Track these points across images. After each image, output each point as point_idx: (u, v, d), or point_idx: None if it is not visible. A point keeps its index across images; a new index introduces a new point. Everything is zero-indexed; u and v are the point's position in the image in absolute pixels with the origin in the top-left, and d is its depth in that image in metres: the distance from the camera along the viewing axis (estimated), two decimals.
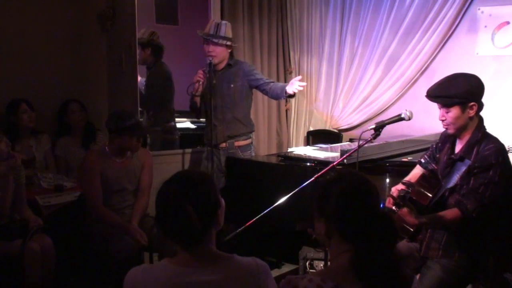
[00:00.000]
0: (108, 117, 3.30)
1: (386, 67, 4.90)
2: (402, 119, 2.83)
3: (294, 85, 3.63)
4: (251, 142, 4.08)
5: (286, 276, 1.52)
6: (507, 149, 2.61)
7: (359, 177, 1.62)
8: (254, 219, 2.80)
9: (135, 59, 4.15)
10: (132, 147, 3.29)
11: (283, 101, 5.11)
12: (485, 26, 4.40)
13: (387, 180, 3.35)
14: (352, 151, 2.99)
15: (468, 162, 2.50)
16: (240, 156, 3.97)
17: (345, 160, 3.13)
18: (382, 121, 2.81)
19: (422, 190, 2.71)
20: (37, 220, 3.09)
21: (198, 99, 3.95)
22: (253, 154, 4.11)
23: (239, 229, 2.79)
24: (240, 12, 4.82)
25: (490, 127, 2.60)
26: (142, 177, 3.39)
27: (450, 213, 2.48)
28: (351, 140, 4.92)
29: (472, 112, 2.49)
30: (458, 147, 2.61)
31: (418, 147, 3.85)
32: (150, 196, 3.38)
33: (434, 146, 2.86)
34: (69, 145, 4.01)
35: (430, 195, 2.66)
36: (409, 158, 3.70)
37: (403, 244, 2.60)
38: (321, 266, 3.51)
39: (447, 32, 4.57)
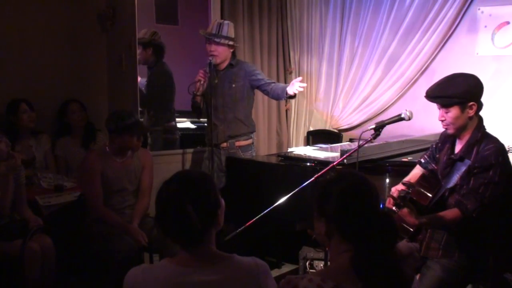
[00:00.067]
0: (108, 117, 3.30)
1: (386, 67, 4.90)
2: (402, 119, 2.83)
3: (294, 86, 3.64)
4: (252, 143, 4.08)
5: (286, 276, 1.52)
6: (507, 149, 2.61)
7: (359, 177, 1.62)
8: (254, 219, 2.81)
9: (135, 59, 4.15)
10: (132, 146, 3.29)
11: (283, 101, 5.11)
12: (485, 26, 4.40)
13: (387, 180, 3.35)
14: (352, 151, 2.99)
15: (468, 162, 2.50)
16: (240, 156, 3.97)
17: (345, 160, 3.13)
18: (382, 121, 2.81)
19: (422, 190, 2.71)
20: (37, 220, 3.09)
21: (199, 99, 3.95)
22: (254, 154, 4.12)
23: (239, 229, 2.79)
24: (240, 12, 4.83)
25: (490, 127, 2.60)
26: (143, 178, 3.39)
27: (450, 213, 2.48)
28: (351, 140, 4.92)
29: (471, 112, 2.49)
30: (458, 147, 2.61)
31: (418, 147, 3.85)
32: (151, 196, 3.38)
33: (434, 146, 2.86)
34: (69, 145, 4.01)
35: (430, 195, 2.67)
36: (409, 158, 3.70)
37: (403, 244, 2.58)
38: (321, 266, 3.51)
39: (447, 32, 4.57)
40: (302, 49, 5.34)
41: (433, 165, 2.82)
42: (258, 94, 4.30)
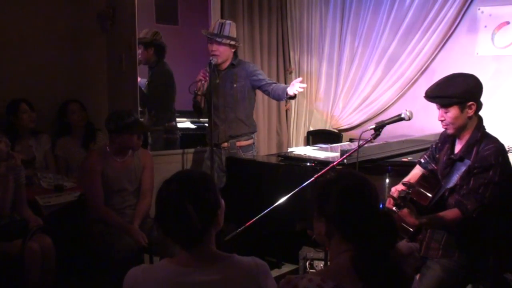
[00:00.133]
0: (107, 117, 3.29)
1: (386, 67, 4.90)
2: (402, 119, 2.83)
3: (294, 87, 3.65)
4: (253, 143, 4.09)
5: (286, 276, 1.52)
6: (507, 149, 2.61)
7: (359, 176, 1.62)
8: (254, 219, 2.80)
9: (135, 59, 4.15)
10: (133, 145, 3.29)
11: (283, 102, 5.12)
12: (485, 26, 4.41)
13: (387, 180, 3.35)
14: (352, 151, 2.99)
15: (468, 162, 2.50)
16: (241, 156, 3.98)
17: (345, 160, 3.13)
18: (382, 121, 2.81)
19: (422, 190, 2.71)
20: (37, 220, 3.09)
21: (200, 98, 3.96)
22: (255, 154, 4.12)
23: (239, 229, 2.79)
24: (240, 12, 4.83)
25: (490, 127, 2.60)
26: (143, 179, 3.39)
27: (450, 213, 2.48)
28: (351, 140, 4.93)
29: (471, 112, 2.49)
30: (457, 147, 2.61)
31: (418, 147, 3.85)
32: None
33: (433, 146, 2.86)
34: (69, 145, 4.01)
35: (430, 195, 2.67)
36: (409, 158, 3.70)
37: (403, 244, 2.58)
38: (321, 266, 3.51)
39: (447, 32, 4.58)
40: (302, 49, 5.34)
41: (433, 165, 2.82)
42: (258, 94, 4.30)
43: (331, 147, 4.22)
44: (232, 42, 3.90)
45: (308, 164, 3.49)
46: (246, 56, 4.84)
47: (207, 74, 3.84)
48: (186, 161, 4.49)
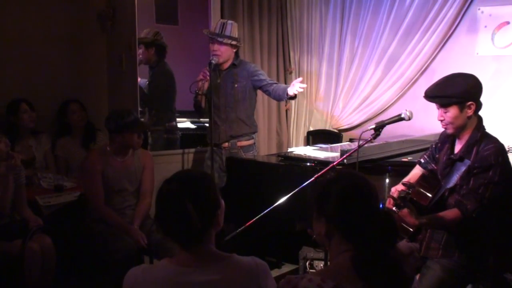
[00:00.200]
0: (107, 117, 3.29)
1: (386, 67, 4.90)
2: (402, 119, 2.83)
3: (295, 87, 3.65)
4: (254, 143, 4.09)
5: (286, 276, 1.52)
6: (507, 149, 2.61)
7: (358, 176, 1.63)
8: (254, 219, 2.81)
9: (135, 59, 4.15)
10: (133, 144, 3.29)
11: (283, 101, 5.12)
12: (485, 26, 4.41)
13: (387, 180, 3.35)
14: (352, 151, 2.99)
15: (467, 162, 2.50)
16: (242, 156, 3.97)
17: (345, 160, 3.13)
18: (382, 121, 2.81)
19: (422, 190, 2.71)
20: (37, 220, 3.09)
21: (200, 98, 3.96)
22: (256, 154, 4.12)
23: (239, 229, 2.79)
24: (240, 12, 4.83)
25: (490, 127, 2.60)
26: (144, 180, 3.39)
27: (450, 213, 2.48)
28: (351, 140, 4.93)
29: (470, 112, 2.49)
30: (457, 147, 2.61)
31: (418, 147, 3.85)
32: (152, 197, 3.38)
33: (433, 146, 2.86)
34: (69, 145, 4.01)
35: (430, 196, 2.67)
36: (409, 158, 3.70)
37: (403, 244, 2.59)
38: (321, 266, 3.51)
39: (447, 32, 4.58)
40: (302, 49, 5.34)
41: (433, 165, 2.82)
42: (258, 94, 4.31)
43: (331, 147, 4.22)
44: (234, 42, 3.91)
45: (308, 164, 3.49)
46: (246, 56, 4.84)
47: (208, 74, 3.84)
48: (186, 161, 4.49)
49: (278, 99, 3.99)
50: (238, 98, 3.96)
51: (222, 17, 4.68)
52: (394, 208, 2.45)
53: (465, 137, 2.55)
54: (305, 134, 5.43)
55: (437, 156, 2.79)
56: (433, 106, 2.61)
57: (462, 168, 2.53)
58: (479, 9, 4.44)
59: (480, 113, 2.58)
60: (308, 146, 4.77)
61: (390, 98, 4.95)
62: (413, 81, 4.84)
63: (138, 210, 3.33)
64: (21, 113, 3.69)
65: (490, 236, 2.58)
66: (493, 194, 2.43)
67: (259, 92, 4.14)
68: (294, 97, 3.78)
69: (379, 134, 2.82)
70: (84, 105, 4.06)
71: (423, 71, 4.78)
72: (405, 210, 2.44)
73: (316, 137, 5.30)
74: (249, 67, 4.01)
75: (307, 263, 3.63)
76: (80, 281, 3.42)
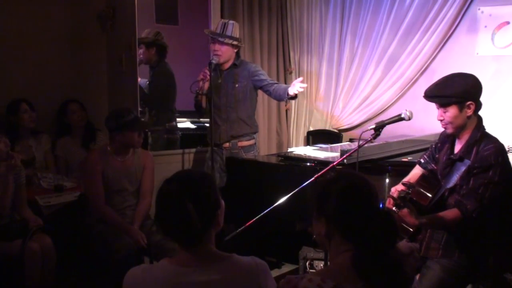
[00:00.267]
0: (107, 116, 3.30)
1: (386, 67, 4.90)
2: (402, 119, 2.83)
3: (295, 87, 3.65)
4: (255, 143, 4.09)
5: (286, 276, 1.52)
6: (507, 149, 2.61)
7: (358, 176, 1.63)
8: (254, 219, 2.80)
9: (135, 59, 4.15)
10: (133, 143, 3.29)
11: (283, 101, 5.12)
12: (485, 26, 4.41)
13: (387, 180, 3.35)
14: (352, 151, 2.99)
15: (467, 162, 2.50)
16: (243, 156, 3.97)
17: (345, 160, 3.13)
18: (382, 121, 2.81)
19: (422, 190, 2.71)
20: (37, 220, 3.09)
21: (201, 98, 3.96)
22: (257, 155, 4.12)
23: (239, 229, 2.79)
24: (240, 12, 4.83)
25: (490, 127, 2.60)
26: (144, 180, 3.39)
27: (450, 213, 2.48)
28: (351, 140, 4.93)
29: (469, 112, 2.49)
30: (457, 147, 2.61)
31: (418, 147, 3.85)
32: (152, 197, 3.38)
33: (433, 146, 2.86)
34: (69, 145, 4.01)
35: (430, 196, 2.67)
36: (409, 158, 3.70)
37: (403, 244, 2.59)
38: (321, 266, 3.51)
39: (447, 32, 4.58)
40: (302, 49, 5.34)
41: (433, 165, 2.82)
42: (258, 94, 4.31)
43: (331, 147, 4.22)
44: (235, 42, 3.91)
45: (308, 164, 3.49)
46: (246, 56, 4.84)
47: (208, 74, 3.84)
48: (186, 161, 4.49)
49: (279, 99, 3.99)
50: (239, 98, 3.96)
51: (222, 17, 4.68)
52: (394, 208, 2.45)
53: (465, 137, 2.55)
54: (305, 134, 5.43)
55: (437, 156, 2.79)
56: (433, 106, 2.61)
57: (462, 168, 2.53)
58: (479, 9, 4.44)
59: (480, 113, 2.58)
60: (308, 146, 4.77)
61: (390, 98, 4.95)
62: (413, 81, 4.84)
63: (138, 210, 3.33)
64: (21, 113, 3.69)
65: (490, 236, 2.57)
66: (493, 194, 2.43)
67: (259, 92, 4.14)
68: (294, 97, 3.78)
69: (379, 134, 2.82)
70: (84, 105, 4.06)
71: (423, 71, 4.78)
72: (405, 210, 2.44)
73: (316, 137, 5.30)
74: (250, 67, 4.01)
75: (307, 263, 3.63)
76: (80, 281, 3.42)
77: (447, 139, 2.71)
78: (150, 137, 4.63)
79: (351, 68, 5.13)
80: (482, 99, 2.55)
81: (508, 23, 4.30)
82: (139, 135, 3.29)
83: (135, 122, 3.24)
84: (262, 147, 5.05)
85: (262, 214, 2.80)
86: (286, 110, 5.40)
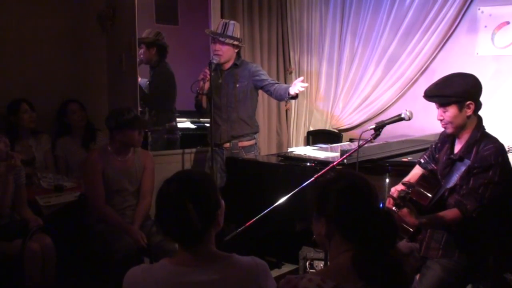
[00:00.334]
0: (107, 116, 3.30)
1: (386, 67, 4.90)
2: (402, 119, 2.83)
3: (296, 86, 3.65)
4: (255, 143, 4.09)
5: (286, 276, 1.52)
6: (507, 149, 2.61)
7: (357, 176, 1.63)
8: (254, 219, 2.80)
9: (135, 59, 4.15)
10: (134, 142, 3.29)
11: (283, 101, 5.12)
12: (485, 26, 4.41)
13: (387, 180, 3.35)
14: (352, 151, 2.99)
15: (467, 162, 2.50)
16: (243, 156, 3.97)
17: (345, 160, 3.13)
18: (382, 121, 2.81)
19: (422, 190, 2.71)
20: (37, 220, 3.09)
21: (201, 97, 3.96)
22: (257, 155, 4.11)
23: (239, 229, 2.79)
24: (240, 12, 4.83)
25: (490, 127, 2.61)
26: (144, 180, 3.39)
27: (450, 213, 2.48)
28: (351, 140, 4.93)
29: (469, 111, 2.49)
30: (457, 147, 2.61)
31: (418, 147, 3.85)
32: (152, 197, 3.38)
33: (433, 146, 2.86)
34: (69, 145, 4.01)
35: (430, 195, 2.67)
36: (409, 158, 3.70)
37: (403, 244, 2.60)
38: (321, 266, 3.51)
39: (447, 32, 4.58)
40: (302, 49, 5.34)
41: (433, 165, 2.82)
42: (258, 94, 4.31)
43: (331, 147, 4.22)
44: (236, 42, 3.91)
45: (308, 164, 3.49)
46: (246, 56, 4.84)
47: (207, 73, 3.84)
48: (186, 161, 4.49)
49: (280, 99, 3.99)
50: (239, 98, 3.96)
51: (222, 17, 4.68)
52: (394, 208, 2.45)
53: (465, 137, 2.55)
54: (305, 134, 5.43)
55: (437, 156, 2.79)
56: (433, 106, 2.61)
57: (462, 168, 2.53)
58: (479, 9, 4.44)
59: (480, 113, 2.58)
60: (308, 146, 4.77)
61: (390, 98, 4.95)
62: (413, 81, 4.85)
63: (138, 210, 3.33)
64: (21, 113, 3.69)
65: (490, 236, 2.58)
66: (493, 194, 2.43)
67: (259, 92, 4.14)
68: (295, 96, 3.78)
69: (379, 134, 2.82)
70: (84, 105, 4.06)
71: (423, 71, 4.78)
72: (405, 210, 2.44)
73: (316, 137, 5.30)
74: (250, 67, 4.01)
75: (307, 263, 3.63)
76: (80, 281, 3.42)
77: (447, 139, 2.71)
78: (150, 137, 4.63)
79: (351, 68, 5.13)
80: (482, 99, 2.55)
81: (508, 23, 4.30)
82: (139, 133, 3.29)
83: (135, 120, 3.24)
84: (262, 147, 5.05)
85: (262, 214, 2.80)
86: (286, 110, 5.40)
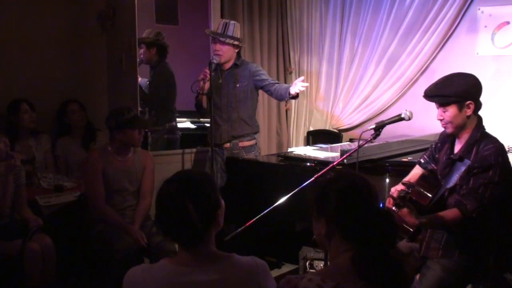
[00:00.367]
0: (107, 116, 3.30)
1: (386, 67, 4.90)
2: (402, 119, 2.83)
3: (297, 86, 3.65)
4: (256, 143, 4.09)
5: (286, 276, 1.52)
6: (507, 149, 2.61)
7: (357, 176, 1.63)
8: (254, 219, 2.80)
9: (135, 59, 4.15)
10: (134, 141, 3.29)
11: (283, 101, 5.12)
12: (485, 26, 4.41)
13: (387, 180, 3.35)
14: (352, 151, 2.99)
15: (467, 162, 2.50)
16: (244, 156, 3.97)
17: (345, 160, 3.13)
18: (382, 121, 2.81)
19: (422, 190, 2.70)
20: (37, 220, 3.09)
21: (201, 97, 3.96)
22: (258, 155, 4.11)
23: (239, 229, 2.79)
24: (240, 12, 4.83)
25: (490, 127, 2.61)
26: (144, 180, 3.39)
27: (450, 213, 2.48)
28: (351, 140, 4.93)
29: (469, 111, 2.49)
30: (457, 147, 2.61)
31: (418, 147, 3.85)
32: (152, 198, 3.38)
33: (433, 146, 2.86)
34: (69, 145, 4.01)
35: (430, 195, 2.67)
36: (409, 158, 3.70)
37: (403, 244, 2.59)
38: (321, 266, 3.51)
39: (447, 32, 4.58)
40: (302, 49, 5.34)
41: (433, 165, 2.82)
42: (259, 94, 4.31)
43: (331, 147, 4.22)
44: (236, 42, 3.91)
45: (308, 164, 3.49)
46: (246, 56, 4.84)
47: (207, 73, 3.84)
48: (186, 161, 4.49)
49: (280, 98, 3.99)
50: (239, 98, 3.96)
51: (222, 17, 4.68)
52: (394, 208, 2.45)
53: (465, 137, 2.55)
54: (305, 134, 5.43)
55: (437, 156, 2.79)
56: (433, 106, 2.61)
57: (462, 168, 2.53)
58: (479, 9, 4.44)
59: (480, 113, 2.58)
60: (308, 146, 4.77)
61: (390, 98, 4.95)
62: (413, 81, 4.85)
63: (138, 210, 3.33)
64: (21, 113, 3.69)
65: (490, 236, 2.58)
66: (493, 194, 2.43)
67: (259, 92, 4.14)
68: (296, 96, 3.78)
69: (379, 134, 2.82)
70: (84, 105, 4.06)
71: (423, 71, 4.78)
72: (405, 210, 2.44)
73: (316, 137, 5.30)
74: (250, 67, 4.01)
75: (307, 263, 3.63)
76: (80, 281, 3.42)
77: (447, 139, 2.71)
78: (150, 137, 4.63)
79: (351, 68, 5.13)
80: (482, 99, 2.55)
81: (508, 23, 4.30)
82: (139, 133, 3.29)
83: (135, 120, 3.24)
84: (262, 147, 5.05)
85: (262, 214, 2.80)
86: (286, 110, 5.40)
